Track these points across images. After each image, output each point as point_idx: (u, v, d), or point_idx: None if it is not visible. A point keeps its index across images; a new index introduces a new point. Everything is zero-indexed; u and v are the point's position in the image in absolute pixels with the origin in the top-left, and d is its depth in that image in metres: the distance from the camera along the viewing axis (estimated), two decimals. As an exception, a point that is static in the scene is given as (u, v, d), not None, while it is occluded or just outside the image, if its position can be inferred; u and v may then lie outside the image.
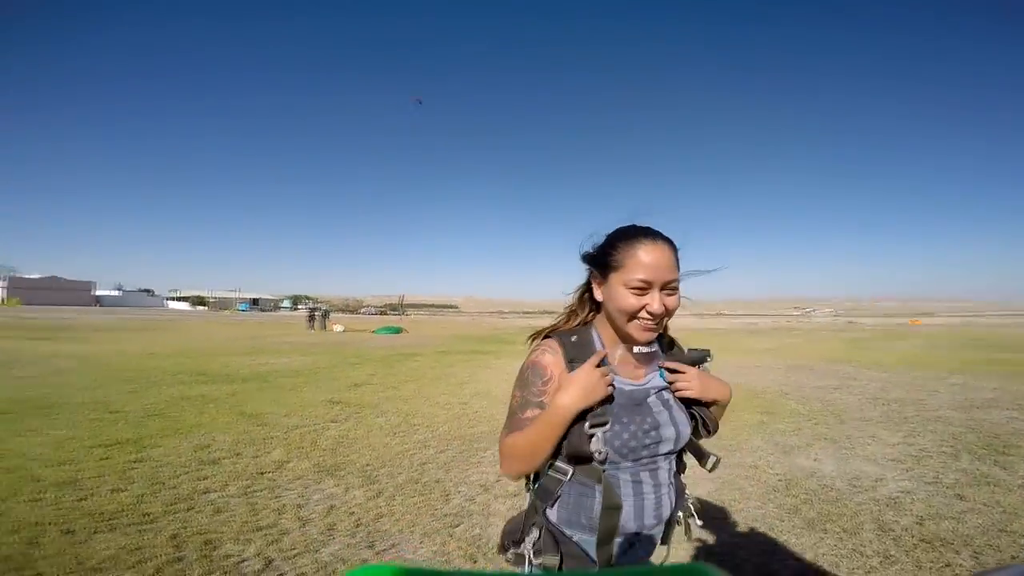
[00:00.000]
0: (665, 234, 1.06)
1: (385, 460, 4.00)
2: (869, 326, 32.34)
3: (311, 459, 3.97)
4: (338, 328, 26.45)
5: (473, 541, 2.68)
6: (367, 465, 3.87)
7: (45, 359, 9.49)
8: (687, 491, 1.20)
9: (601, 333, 1.12)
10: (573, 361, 1.05)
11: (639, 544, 1.08)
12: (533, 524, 1.08)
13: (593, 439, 0.99)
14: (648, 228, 1.06)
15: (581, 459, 1.01)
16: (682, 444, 1.10)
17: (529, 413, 1.04)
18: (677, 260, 1.04)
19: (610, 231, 1.10)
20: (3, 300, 48.23)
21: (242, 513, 2.91)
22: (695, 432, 1.13)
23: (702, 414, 1.12)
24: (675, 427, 1.07)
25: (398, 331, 23.83)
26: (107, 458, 3.78)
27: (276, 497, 3.18)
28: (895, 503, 3.24)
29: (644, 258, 0.99)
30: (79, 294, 63.51)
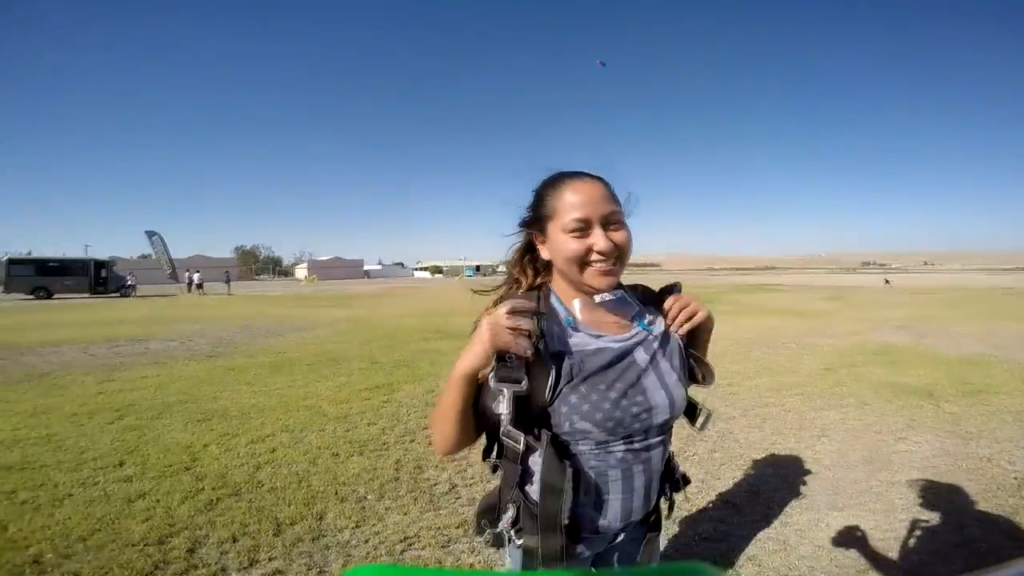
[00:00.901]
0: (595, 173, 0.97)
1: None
2: None
3: (505, 404, 4.70)
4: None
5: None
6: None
7: (332, 322, 12.25)
8: (677, 465, 1.10)
9: (559, 293, 1.01)
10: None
11: (623, 542, 1.02)
12: (509, 500, 0.95)
13: (500, 398, 0.85)
14: (573, 170, 0.98)
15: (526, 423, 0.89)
16: (679, 411, 0.97)
17: None
18: (613, 193, 0.95)
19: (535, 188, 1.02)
20: (305, 278, 64.48)
21: (447, 447, 3.70)
22: (694, 378, 1.03)
23: (696, 356, 1.02)
24: (667, 391, 0.93)
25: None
26: (368, 399, 4.99)
27: (473, 436, 3.94)
28: None
29: (572, 197, 0.91)
30: (354, 269, 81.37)
